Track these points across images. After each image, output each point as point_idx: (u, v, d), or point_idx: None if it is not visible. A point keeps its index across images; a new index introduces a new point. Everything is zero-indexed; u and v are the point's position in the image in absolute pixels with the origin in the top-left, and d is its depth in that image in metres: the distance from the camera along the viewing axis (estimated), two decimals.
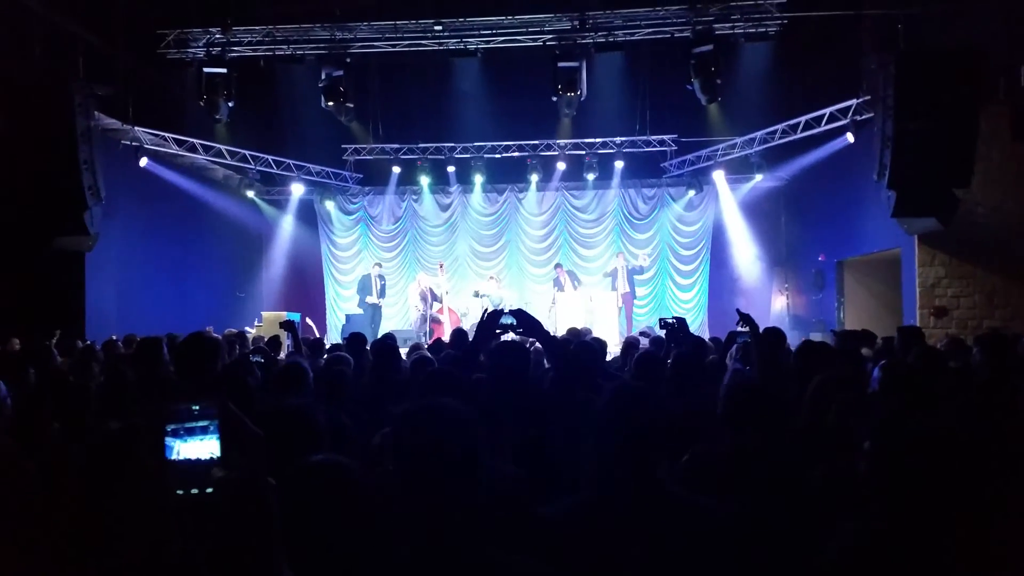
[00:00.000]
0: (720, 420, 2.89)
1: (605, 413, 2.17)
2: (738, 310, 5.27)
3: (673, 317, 5.63)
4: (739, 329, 5.28)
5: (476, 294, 15.16)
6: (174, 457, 1.53)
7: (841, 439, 2.94)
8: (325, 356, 6.37)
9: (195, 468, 1.52)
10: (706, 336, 10.39)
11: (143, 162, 13.23)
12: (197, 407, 1.55)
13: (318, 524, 1.86)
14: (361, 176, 17.28)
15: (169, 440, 1.53)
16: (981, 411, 3.13)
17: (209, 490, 1.51)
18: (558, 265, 16.04)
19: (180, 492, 1.50)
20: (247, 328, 13.30)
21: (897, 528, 1.92)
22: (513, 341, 4.19)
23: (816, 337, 12.12)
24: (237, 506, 1.53)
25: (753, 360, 4.94)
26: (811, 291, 15.43)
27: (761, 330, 5.34)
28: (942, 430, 2.03)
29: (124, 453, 2.07)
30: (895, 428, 2.04)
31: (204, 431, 1.54)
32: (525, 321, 3.84)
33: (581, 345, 5.22)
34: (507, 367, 3.70)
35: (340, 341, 11.81)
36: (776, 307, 16.58)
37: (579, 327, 9.49)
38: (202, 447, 1.53)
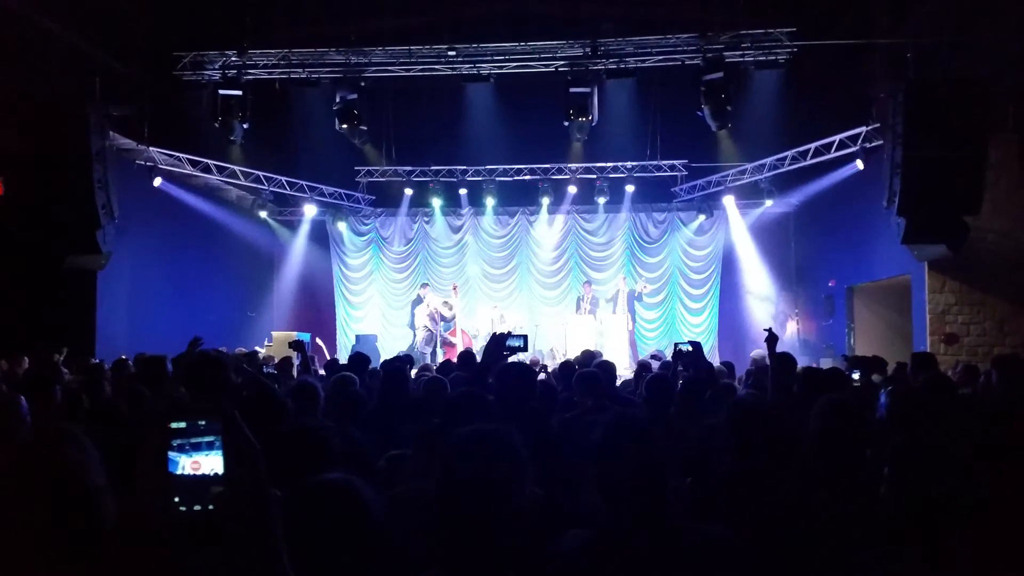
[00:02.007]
0: (723, 444, 2.88)
1: (605, 447, 2.12)
2: (767, 330, 5.27)
3: (689, 342, 5.57)
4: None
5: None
6: (179, 472, 1.52)
7: (849, 464, 2.94)
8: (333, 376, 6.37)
9: (199, 484, 1.52)
10: (716, 360, 10.34)
11: (157, 182, 13.35)
12: (203, 422, 1.54)
13: (327, 543, 1.86)
14: (373, 198, 17.40)
15: (174, 455, 1.52)
16: (1000, 436, 3.12)
17: (212, 507, 1.50)
18: (587, 282, 16.02)
19: (183, 508, 1.50)
20: (257, 348, 13.35)
21: (919, 554, 1.93)
22: (519, 363, 4.20)
23: (826, 363, 12.08)
24: (241, 522, 1.52)
25: (767, 385, 4.95)
26: (821, 317, 15.38)
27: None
28: (965, 455, 2.04)
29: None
30: (916, 453, 2.05)
31: (209, 447, 1.53)
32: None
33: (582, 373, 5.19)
34: (512, 389, 3.71)
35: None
36: (786, 332, 16.52)
37: (591, 350, 9.48)
38: (207, 463, 1.53)
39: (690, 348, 5.37)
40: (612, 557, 2.02)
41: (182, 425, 1.53)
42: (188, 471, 1.51)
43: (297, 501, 1.78)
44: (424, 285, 16.11)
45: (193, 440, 1.52)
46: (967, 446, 2.82)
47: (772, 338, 5.13)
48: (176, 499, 1.50)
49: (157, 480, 1.50)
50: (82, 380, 6.19)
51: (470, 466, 1.76)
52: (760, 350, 7.18)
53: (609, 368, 5.88)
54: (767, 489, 2.64)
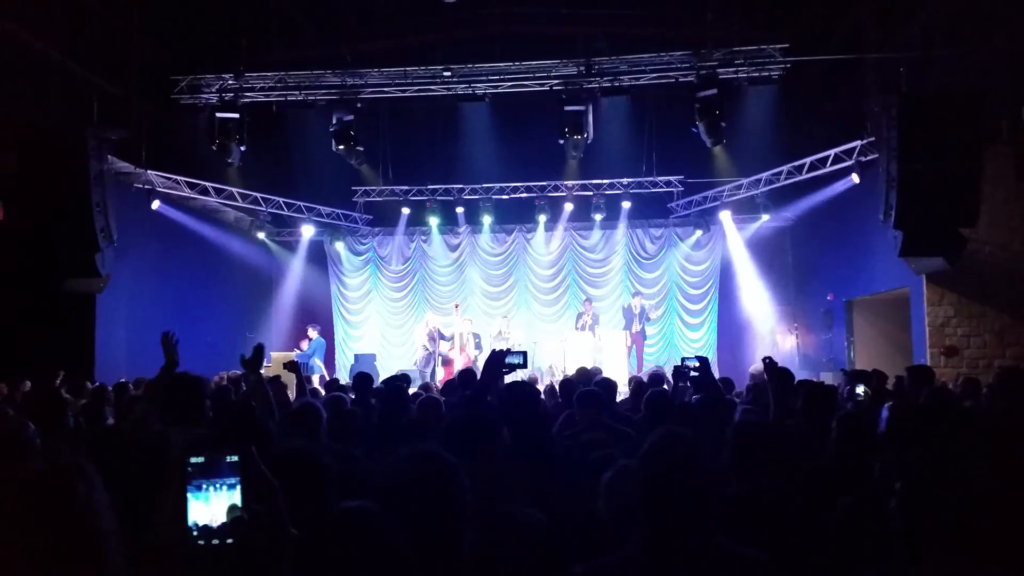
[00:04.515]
0: (729, 464, 2.86)
1: (649, 462, 2.07)
2: (765, 359, 5.28)
3: (696, 357, 5.35)
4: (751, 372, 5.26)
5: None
6: (195, 509, 1.52)
7: (857, 480, 2.93)
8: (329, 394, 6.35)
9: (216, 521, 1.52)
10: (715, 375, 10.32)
11: (155, 205, 13.38)
12: (220, 459, 1.55)
13: (346, 572, 1.85)
14: (371, 217, 17.43)
15: (191, 492, 1.53)
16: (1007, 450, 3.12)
17: (229, 541, 1.50)
18: (588, 300, 15.97)
19: (201, 542, 1.50)
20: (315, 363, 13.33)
21: (928, 570, 1.93)
22: (523, 381, 4.19)
23: (827, 377, 12.08)
24: (256, 557, 1.52)
25: (767, 402, 4.93)
26: (820, 331, 15.37)
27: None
28: (979, 472, 2.04)
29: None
30: (930, 469, 2.06)
31: (227, 484, 1.54)
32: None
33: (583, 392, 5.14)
34: (517, 407, 3.69)
35: (349, 381, 11.79)
36: (785, 347, 16.51)
37: (588, 367, 9.46)
38: (224, 500, 1.54)
39: (697, 364, 5.18)
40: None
41: (200, 460, 1.53)
42: (204, 508, 1.51)
43: (316, 529, 1.78)
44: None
45: (210, 477, 1.53)
46: (976, 461, 2.82)
47: (772, 364, 5.16)
48: (194, 534, 1.50)
49: (175, 514, 1.50)
50: (82, 404, 6.17)
51: (410, 487, 1.77)
52: (758, 365, 7.16)
53: (609, 386, 5.86)
54: (774, 508, 2.63)
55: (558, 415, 5.55)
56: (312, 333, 15.03)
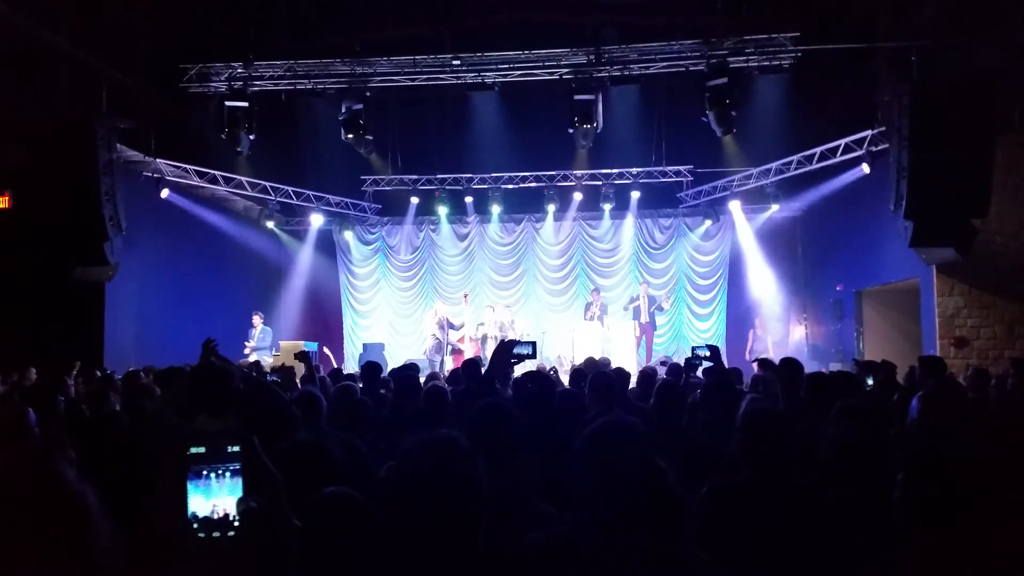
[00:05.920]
0: (736, 452, 2.85)
1: (583, 448, 2.09)
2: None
3: (707, 346, 5.39)
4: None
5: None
6: (195, 501, 1.51)
7: (866, 470, 2.92)
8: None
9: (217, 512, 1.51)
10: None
11: (164, 193, 13.41)
12: (222, 450, 1.52)
13: (329, 556, 1.85)
14: (380, 207, 17.45)
15: (192, 482, 1.51)
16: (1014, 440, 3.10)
17: (231, 533, 1.49)
18: (596, 290, 15.93)
19: (201, 535, 1.49)
20: (265, 356, 13.36)
21: (929, 559, 1.92)
22: (538, 371, 4.17)
23: (836, 367, 12.03)
24: (259, 549, 1.51)
25: (775, 392, 4.91)
26: (830, 321, 15.32)
27: (778, 361, 5.30)
28: (986, 463, 2.04)
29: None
30: (933, 459, 2.05)
31: (228, 474, 1.51)
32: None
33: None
34: (533, 398, 3.68)
35: (357, 370, 11.81)
36: (795, 337, 16.47)
37: (597, 357, 9.45)
38: (225, 491, 1.50)
39: (707, 352, 5.21)
40: (571, 554, 1.94)
41: (201, 451, 1.51)
42: (205, 499, 1.49)
43: (300, 515, 1.78)
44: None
45: (212, 467, 1.51)
46: (983, 452, 2.81)
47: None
48: (195, 526, 1.48)
49: (175, 507, 1.48)
50: (84, 392, 6.20)
51: (423, 473, 1.75)
52: (765, 357, 7.12)
53: (623, 376, 5.84)
54: (781, 496, 2.62)
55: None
56: (256, 320, 14.50)
